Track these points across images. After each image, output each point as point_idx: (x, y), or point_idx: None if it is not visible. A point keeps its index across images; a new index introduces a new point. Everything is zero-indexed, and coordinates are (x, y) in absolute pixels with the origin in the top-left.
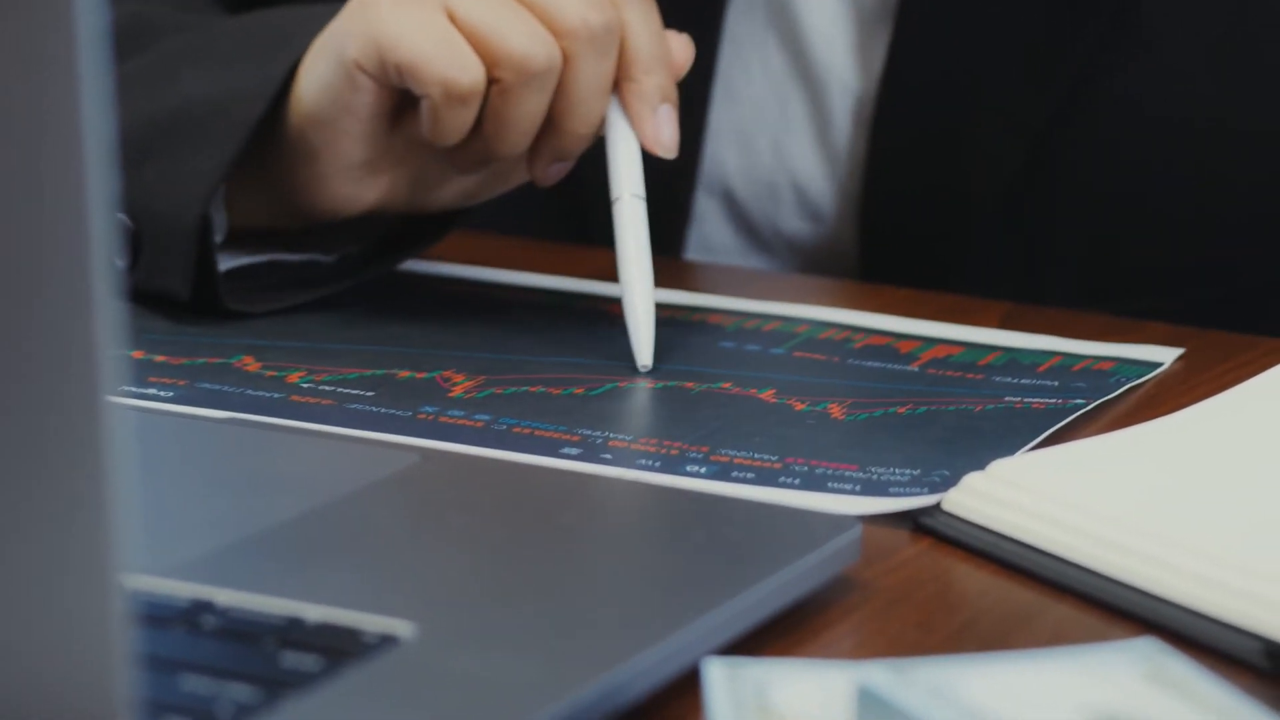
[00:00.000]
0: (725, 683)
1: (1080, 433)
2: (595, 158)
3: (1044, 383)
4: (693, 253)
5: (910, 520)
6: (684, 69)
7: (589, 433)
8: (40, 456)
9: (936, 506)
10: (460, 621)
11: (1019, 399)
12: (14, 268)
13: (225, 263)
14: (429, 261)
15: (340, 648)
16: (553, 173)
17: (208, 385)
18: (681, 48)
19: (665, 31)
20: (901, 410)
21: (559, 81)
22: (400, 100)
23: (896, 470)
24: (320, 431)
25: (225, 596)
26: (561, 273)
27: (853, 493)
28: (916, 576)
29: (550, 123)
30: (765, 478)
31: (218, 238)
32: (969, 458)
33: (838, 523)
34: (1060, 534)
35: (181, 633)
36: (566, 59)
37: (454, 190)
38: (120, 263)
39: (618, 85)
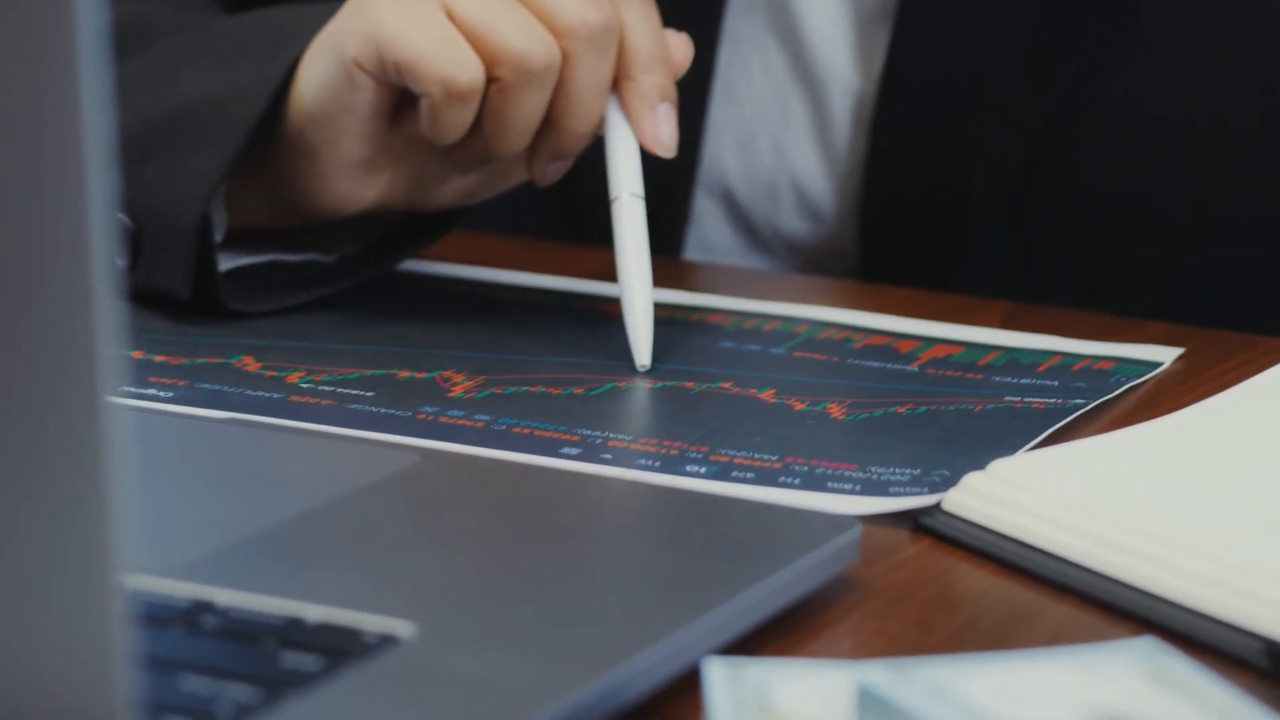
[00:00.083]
0: (725, 682)
1: (1080, 432)
2: (594, 157)
3: (1044, 382)
4: (692, 253)
5: (910, 520)
6: (683, 68)
7: (589, 433)
8: (40, 456)
9: (936, 506)
10: (460, 621)
11: (1019, 399)
12: (14, 267)
13: (225, 263)
14: (428, 261)
15: (340, 648)
16: (551, 172)
17: (207, 385)
18: (680, 47)
19: (664, 30)
20: (901, 410)
21: (558, 80)
22: (399, 99)
23: (896, 470)
24: (320, 432)
25: (225, 596)
26: (561, 272)
27: (853, 492)
28: (916, 576)
29: (549, 122)
30: (765, 477)
31: (218, 237)
32: (969, 457)
33: (838, 522)
34: (1060, 534)
35: (181, 633)
36: (566, 58)
37: (453, 189)
38: (120, 262)
39: (617, 84)
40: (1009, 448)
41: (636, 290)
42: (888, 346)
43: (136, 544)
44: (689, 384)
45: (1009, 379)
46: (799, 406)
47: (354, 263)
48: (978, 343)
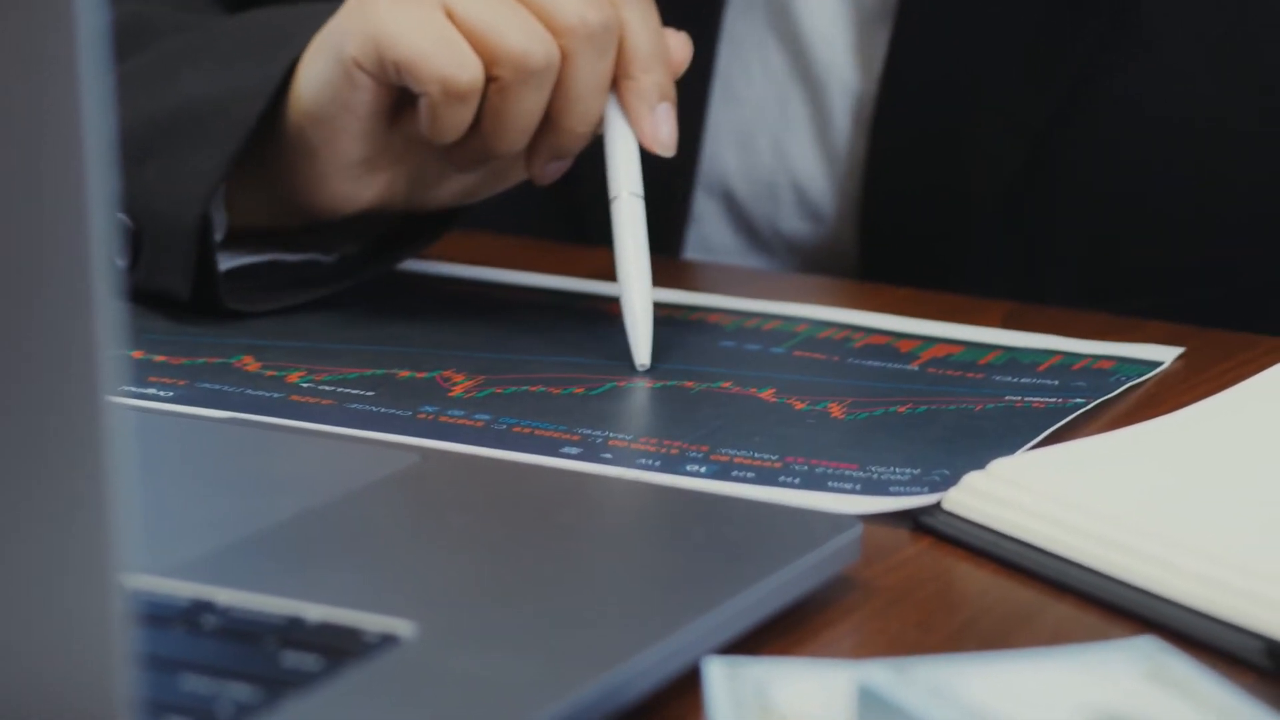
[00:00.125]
0: (726, 682)
1: (1080, 432)
2: (593, 156)
3: (1044, 382)
4: (692, 253)
5: (910, 519)
6: (682, 67)
7: (589, 432)
8: (41, 456)
9: (937, 505)
10: (461, 621)
11: (1019, 398)
12: (14, 267)
13: (225, 262)
14: (428, 261)
15: (341, 647)
16: (551, 171)
17: (208, 385)
18: (680, 46)
19: (663, 30)
20: (902, 409)
21: (557, 80)
22: (399, 98)
23: (897, 469)
24: (320, 431)
25: (225, 596)
26: (561, 272)
27: (853, 492)
28: (917, 576)
29: (548, 121)
30: (765, 477)
31: (218, 237)
32: (969, 457)
33: (838, 522)
34: (1061, 533)
35: (182, 632)
36: (565, 57)
37: (452, 189)
38: (120, 262)
39: (616, 83)
40: (1009, 447)
41: (636, 289)
42: (888, 346)
43: (137, 543)
44: (689, 383)
45: (1009, 378)
46: (799, 406)
47: (354, 262)
48: (978, 342)
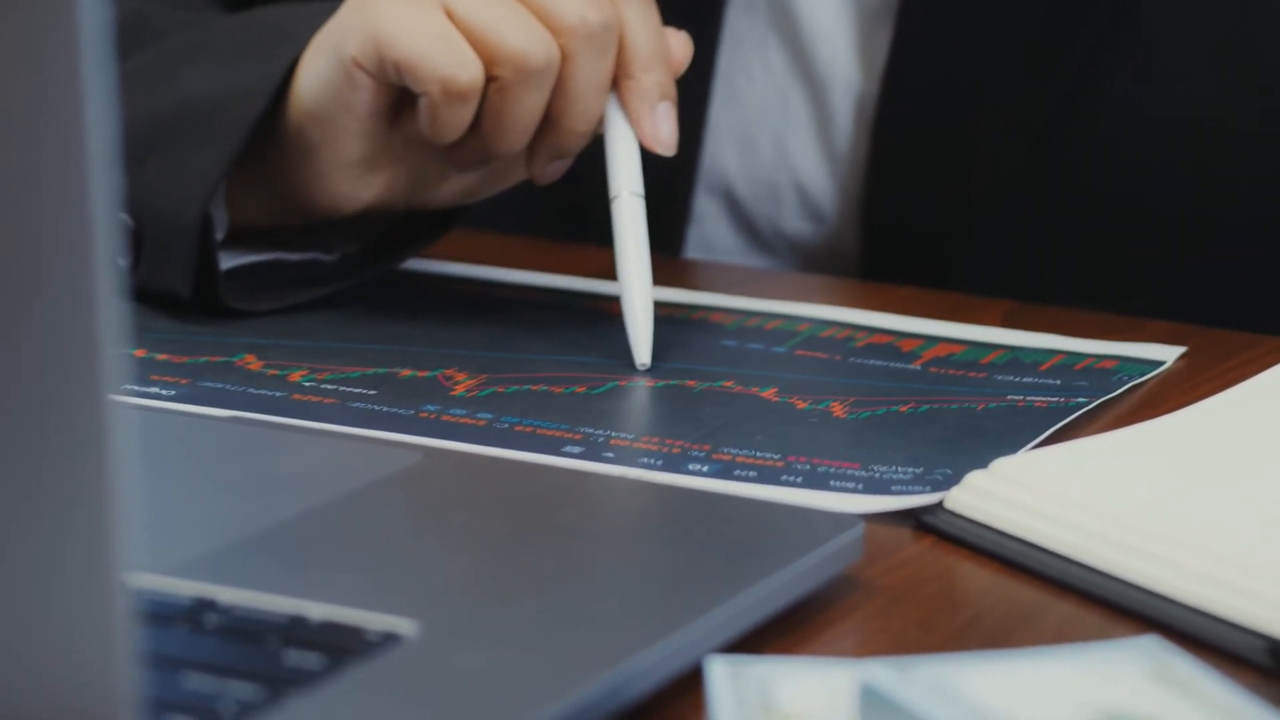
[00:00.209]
0: (728, 681)
1: (1082, 431)
2: (594, 156)
3: (1046, 381)
4: (693, 252)
5: (912, 518)
6: (682, 66)
7: (591, 431)
8: (43, 455)
9: (939, 505)
10: (463, 620)
11: (1021, 397)
12: (17, 266)
13: (227, 261)
14: (430, 260)
15: (343, 646)
16: (551, 171)
17: (210, 384)
18: (680, 45)
19: (664, 29)
20: (904, 409)
21: (557, 79)
22: (399, 98)
23: (899, 468)
24: (323, 430)
25: (228, 595)
26: (561, 271)
27: (855, 491)
28: (919, 575)
29: (549, 121)
30: (767, 476)
31: (218, 235)
32: (971, 456)
33: (840, 521)
34: (1063, 532)
35: (184, 631)
36: (565, 57)
37: (453, 188)
38: (122, 262)
39: (616, 83)
40: (1011, 446)
41: (636, 289)
42: (890, 345)
43: (139, 542)
44: (691, 382)
45: (1011, 378)
46: (801, 405)
47: (355, 262)
48: (980, 341)
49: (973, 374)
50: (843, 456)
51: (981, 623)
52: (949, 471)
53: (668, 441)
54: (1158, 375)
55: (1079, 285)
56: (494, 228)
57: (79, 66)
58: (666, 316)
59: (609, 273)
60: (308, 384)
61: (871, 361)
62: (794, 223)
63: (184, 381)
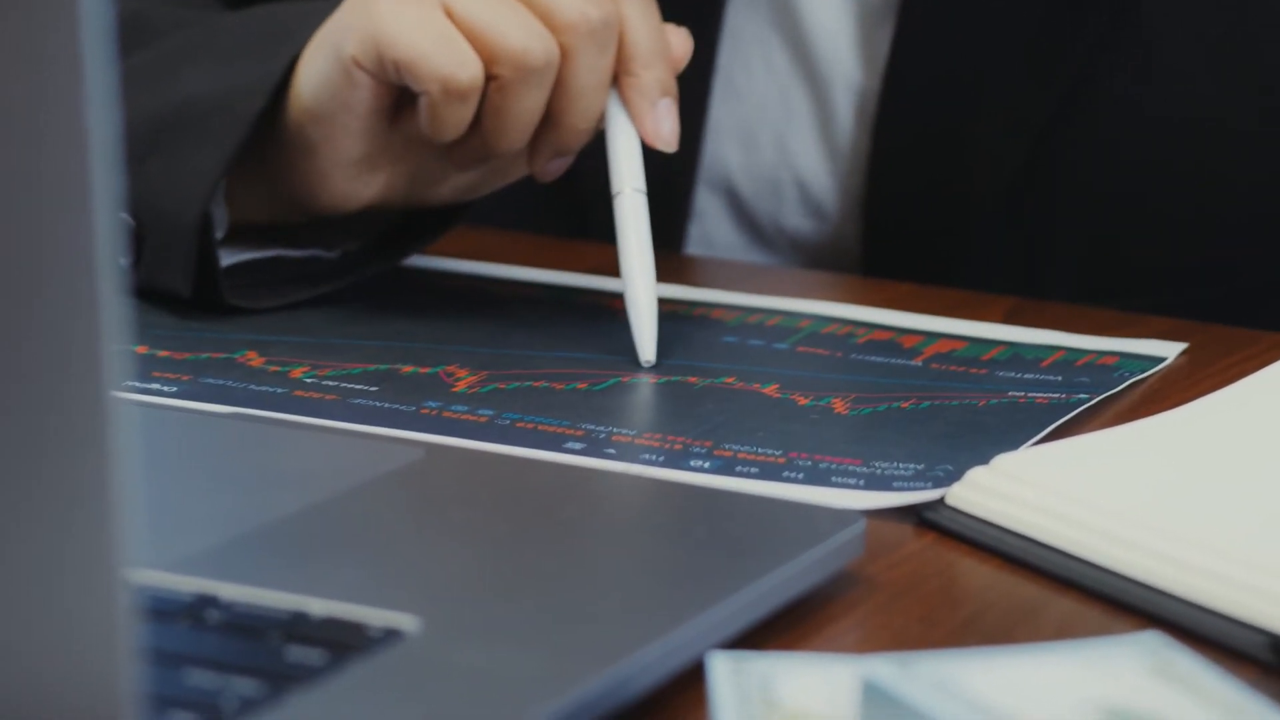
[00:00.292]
0: (730, 676)
1: (1084, 427)
2: (595, 153)
3: (1048, 377)
4: (694, 249)
5: (914, 515)
6: (683, 63)
7: (592, 427)
8: (45, 451)
9: (940, 501)
10: (465, 616)
11: (1023, 394)
12: (18, 264)
13: (228, 258)
14: (431, 257)
15: (345, 642)
16: (552, 168)
17: (211, 380)
18: (680, 42)
19: (664, 25)
20: (905, 405)
21: (558, 77)
22: (399, 96)
23: (900, 465)
24: (324, 426)
25: (230, 591)
26: (563, 268)
27: (856, 487)
28: (920, 571)
29: (550, 118)
30: (769, 472)
31: (219, 234)
32: (973, 452)
33: (841, 517)
34: (1064, 528)
35: (186, 627)
36: (565, 54)
37: (454, 185)
38: (123, 261)
39: (617, 80)
40: (1013, 442)
41: (640, 285)
42: (891, 341)
43: (141, 538)
44: (692, 379)
45: (1012, 374)
46: (803, 401)
47: (357, 259)
48: (981, 338)
49: (974, 370)
50: (844, 453)
51: (983, 619)
52: (950, 468)
53: (669, 438)
54: (1159, 371)
55: (1079, 284)
56: (495, 224)
57: (81, 65)
58: (668, 313)
59: (610, 269)
60: (309, 380)
61: (873, 358)
62: (795, 220)
63: (185, 378)
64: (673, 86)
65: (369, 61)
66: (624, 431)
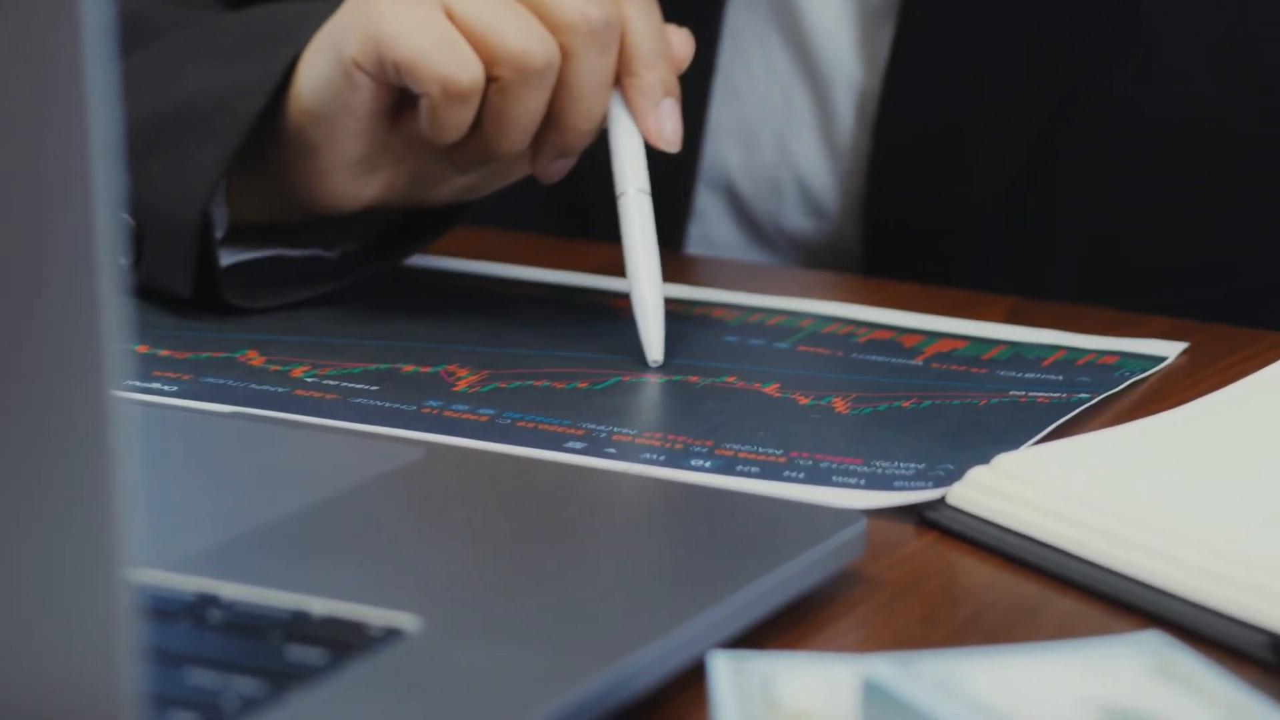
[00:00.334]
0: (731, 676)
1: (1085, 427)
2: (596, 153)
3: (1048, 377)
4: (695, 249)
5: (915, 514)
6: (684, 63)
7: (593, 427)
8: (46, 451)
9: (941, 500)
10: (465, 615)
11: (1023, 393)
12: (19, 263)
13: (227, 258)
14: (432, 256)
15: (346, 641)
16: (555, 169)
17: (212, 380)
18: (681, 42)
19: (665, 26)
20: (906, 404)
21: (560, 77)
22: (399, 98)
23: (901, 464)
24: (325, 426)
25: (230, 590)
26: (564, 267)
27: (857, 487)
28: (921, 570)
29: (552, 119)
30: (770, 472)
31: (218, 233)
32: (973, 452)
33: (842, 517)
34: (1065, 528)
35: (187, 626)
36: (567, 54)
37: (454, 186)
38: (123, 261)
39: (619, 80)
40: (1013, 442)
41: (646, 286)
42: (892, 341)
43: (142, 538)
44: (693, 378)
45: (1013, 373)
46: (803, 401)
47: (357, 259)
48: (982, 337)
49: (975, 370)
50: (845, 452)
51: (984, 618)
52: (951, 467)
53: (670, 437)
54: (1160, 371)
55: (1079, 284)
56: (496, 224)
57: (81, 65)
58: (669, 312)
59: (611, 268)
60: (310, 380)
61: (873, 357)
62: (796, 219)
63: (186, 377)
64: (675, 87)
65: (369, 63)
66: (625, 431)
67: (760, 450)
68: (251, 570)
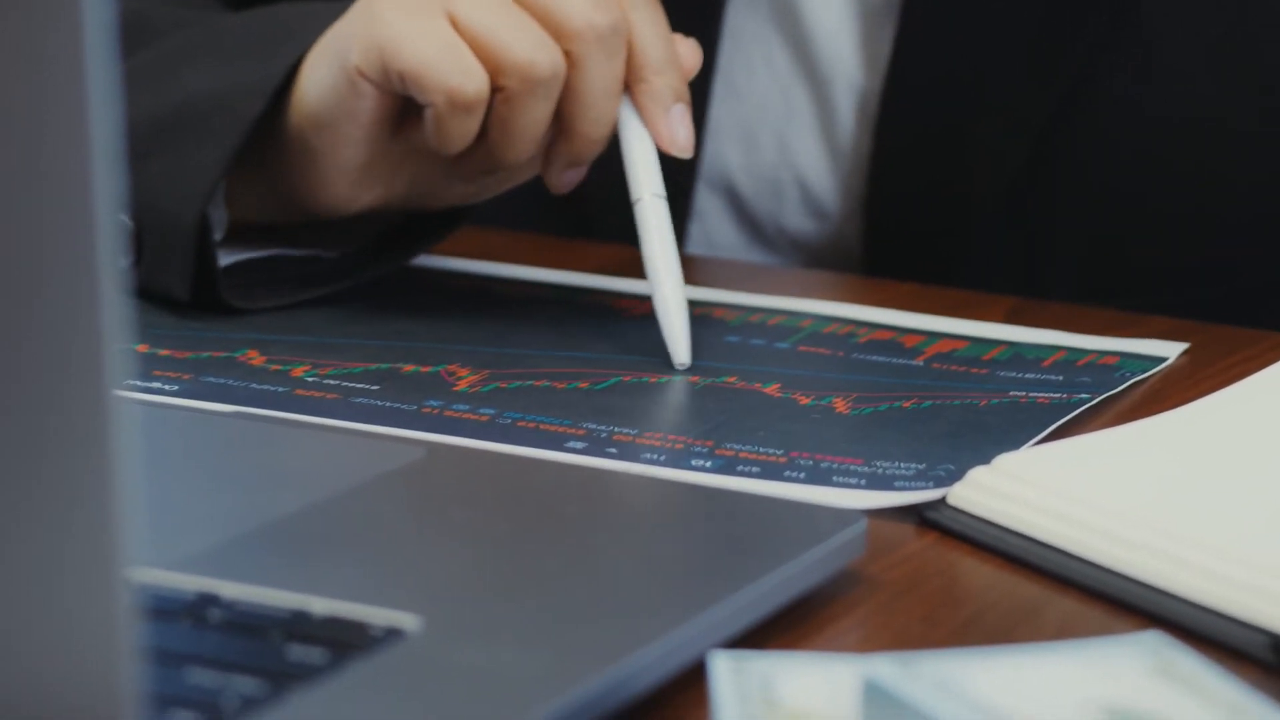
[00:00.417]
0: (731, 676)
1: (1085, 427)
2: (600, 157)
3: (1049, 377)
4: (695, 249)
5: (915, 514)
6: (692, 73)
7: (594, 427)
8: (47, 450)
9: (941, 501)
10: (466, 615)
11: (1024, 393)
12: (20, 262)
13: (227, 258)
14: (433, 256)
15: (346, 641)
16: (568, 178)
17: (213, 379)
18: (689, 52)
19: (673, 35)
20: (906, 404)
21: (569, 85)
22: (403, 105)
23: (901, 464)
24: (325, 425)
25: (231, 590)
26: (565, 267)
27: (858, 487)
28: (922, 570)
29: (562, 128)
30: (770, 472)
31: (217, 235)
32: (974, 452)
33: (843, 517)
34: (1065, 528)
35: (187, 626)
36: (575, 62)
37: (457, 191)
38: (123, 262)
39: (629, 87)
40: (1014, 442)
41: (669, 289)
42: (892, 341)
43: (142, 537)
44: (694, 378)
45: (1014, 374)
46: (804, 401)
47: (357, 261)
48: (982, 337)
49: (975, 370)
50: (845, 452)
51: (984, 618)
52: (952, 467)
53: (670, 437)
54: (1160, 371)
55: (1080, 284)
56: (497, 224)
57: (83, 65)
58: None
59: (613, 268)
60: (310, 379)
61: (874, 357)
62: (796, 219)
63: (186, 377)
64: (685, 93)
65: (373, 72)
66: (625, 431)
67: (761, 450)
68: (252, 570)
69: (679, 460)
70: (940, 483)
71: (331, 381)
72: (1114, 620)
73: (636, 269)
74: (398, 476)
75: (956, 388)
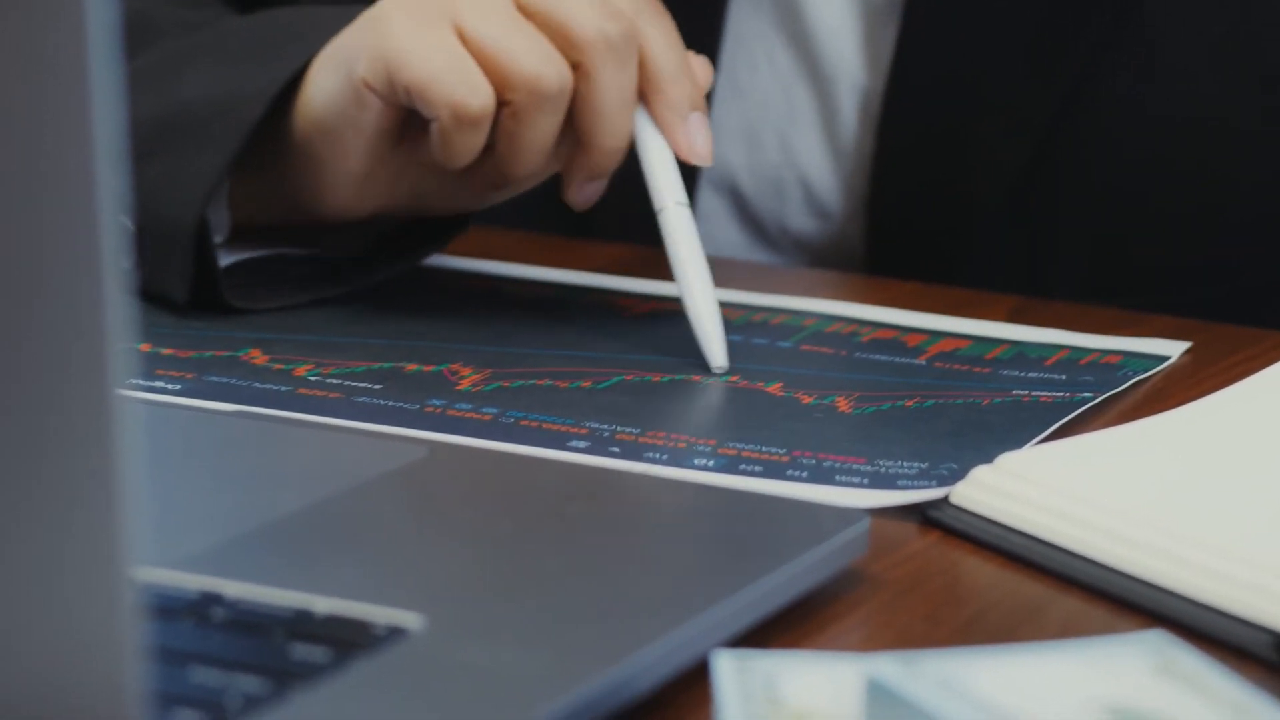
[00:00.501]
0: (734, 675)
1: (1088, 426)
2: None
3: (1051, 376)
4: None
5: (918, 513)
6: (704, 89)
7: (596, 426)
8: (50, 450)
9: (944, 499)
10: (469, 614)
11: (1026, 392)
12: (23, 262)
13: (229, 258)
14: (436, 255)
15: (349, 640)
16: (588, 193)
17: (216, 378)
18: (701, 68)
19: (686, 51)
20: (909, 403)
21: (582, 97)
22: (408, 116)
23: (904, 463)
24: (328, 424)
25: (234, 589)
26: (568, 267)
27: (860, 486)
28: (925, 569)
29: (580, 141)
30: (773, 471)
31: (218, 237)
32: (977, 451)
33: (845, 516)
34: (1068, 527)
35: (191, 625)
36: (587, 72)
37: (462, 199)
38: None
39: (645, 98)
40: (1016, 441)
41: (700, 296)
42: (895, 340)
43: (146, 536)
44: (696, 377)
45: (1016, 373)
46: (807, 400)
47: (359, 265)
48: (985, 336)
49: (978, 369)
50: (848, 451)
51: (987, 617)
52: (954, 466)
53: (673, 436)
54: (1163, 370)
55: (1082, 283)
56: (500, 223)
57: (86, 66)
58: (670, 312)
59: (615, 268)
60: (313, 378)
61: (877, 356)
62: (799, 219)
63: (189, 376)
64: (701, 101)
65: (379, 84)
66: (628, 430)
67: (763, 449)
68: (255, 569)
69: (682, 459)
70: (943, 482)
71: (334, 381)
72: (1117, 619)
73: (639, 269)
74: (400, 476)
75: (959, 387)
